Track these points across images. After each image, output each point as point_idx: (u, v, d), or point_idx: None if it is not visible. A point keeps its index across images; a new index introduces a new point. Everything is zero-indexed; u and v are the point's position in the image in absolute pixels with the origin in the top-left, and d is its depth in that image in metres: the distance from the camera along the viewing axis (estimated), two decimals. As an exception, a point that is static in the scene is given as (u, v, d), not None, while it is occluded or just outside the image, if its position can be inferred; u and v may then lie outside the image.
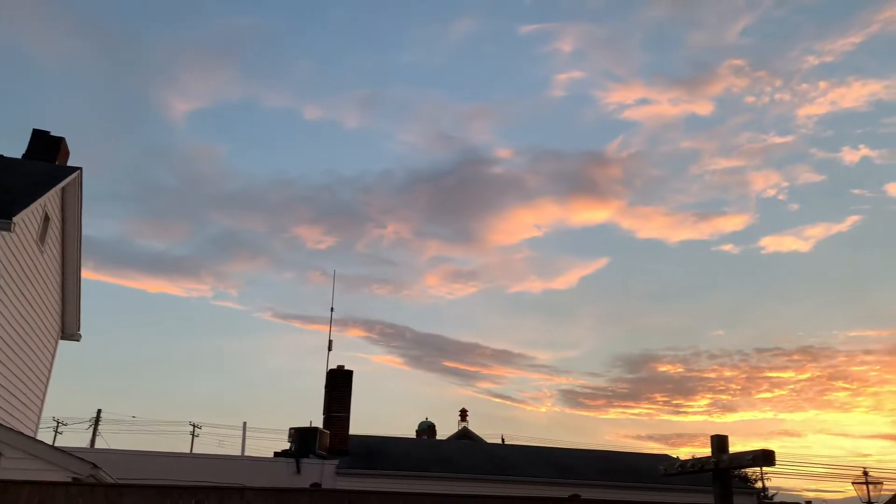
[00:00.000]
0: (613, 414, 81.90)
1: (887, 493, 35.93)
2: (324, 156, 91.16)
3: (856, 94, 75.31)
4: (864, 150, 75.54)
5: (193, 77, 73.87)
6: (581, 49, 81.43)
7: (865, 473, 34.10)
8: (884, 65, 77.07)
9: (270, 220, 78.76)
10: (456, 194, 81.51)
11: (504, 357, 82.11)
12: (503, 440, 40.52)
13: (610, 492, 21.22)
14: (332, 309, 24.80)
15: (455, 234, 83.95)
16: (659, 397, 78.20)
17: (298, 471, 20.22)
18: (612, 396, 79.15)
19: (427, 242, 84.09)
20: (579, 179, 79.80)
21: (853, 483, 33.94)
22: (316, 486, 14.14)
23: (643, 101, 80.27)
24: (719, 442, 10.18)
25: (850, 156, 76.02)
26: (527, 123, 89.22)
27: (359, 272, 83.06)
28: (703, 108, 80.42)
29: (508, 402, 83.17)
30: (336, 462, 20.84)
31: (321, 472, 20.39)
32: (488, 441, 38.35)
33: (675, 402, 77.39)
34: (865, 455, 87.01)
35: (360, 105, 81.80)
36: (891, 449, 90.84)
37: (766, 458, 9.18)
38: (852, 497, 34.82)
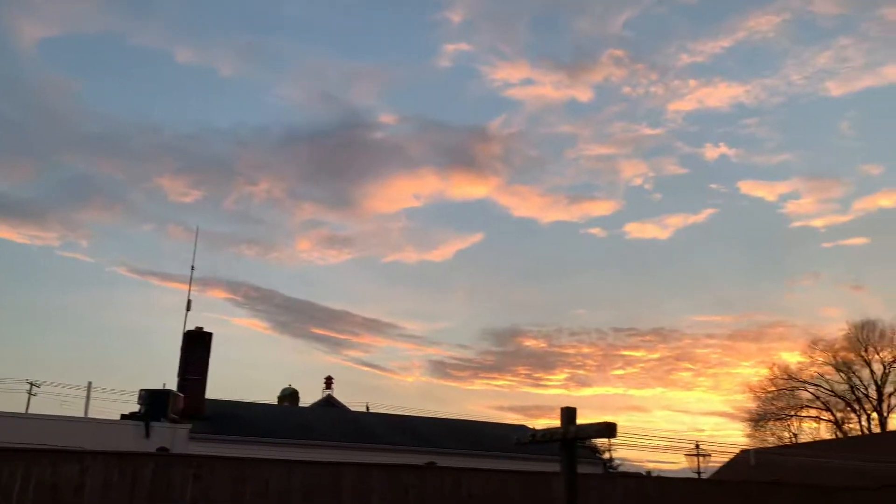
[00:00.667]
0: (479, 385, 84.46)
1: (714, 464, 39.53)
2: (195, 103, 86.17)
3: (720, 95, 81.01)
4: (723, 148, 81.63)
5: None
6: (470, 21, 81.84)
7: (697, 447, 37.35)
8: (746, 70, 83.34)
9: (131, 167, 73.29)
10: (335, 157, 79.94)
11: (374, 326, 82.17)
12: (368, 408, 40.65)
13: (465, 460, 21.82)
14: (192, 267, 23.64)
15: (332, 198, 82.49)
16: (522, 370, 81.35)
17: (147, 435, 19.22)
18: (478, 368, 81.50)
19: (301, 204, 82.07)
20: (461, 153, 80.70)
21: (686, 455, 37.10)
22: (163, 450, 13.48)
23: (527, 82, 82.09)
24: (568, 414, 10.65)
25: (710, 152, 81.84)
26: (412, 91, 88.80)
27: (226, 230, 79.78)
28: (583, 95, 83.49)
29: (377, 371, 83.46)
30: (189, 426, 20.01)
31: (173, 436, 19.50)
32: (353, 410, 38.35)
33: (536, 375, 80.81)
34: (701, 430, 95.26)
35: (238, 53, 77.80)
36: (724, 425, 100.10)
37: (609, 430, 9.72)
38: (686, 468, 38.01)
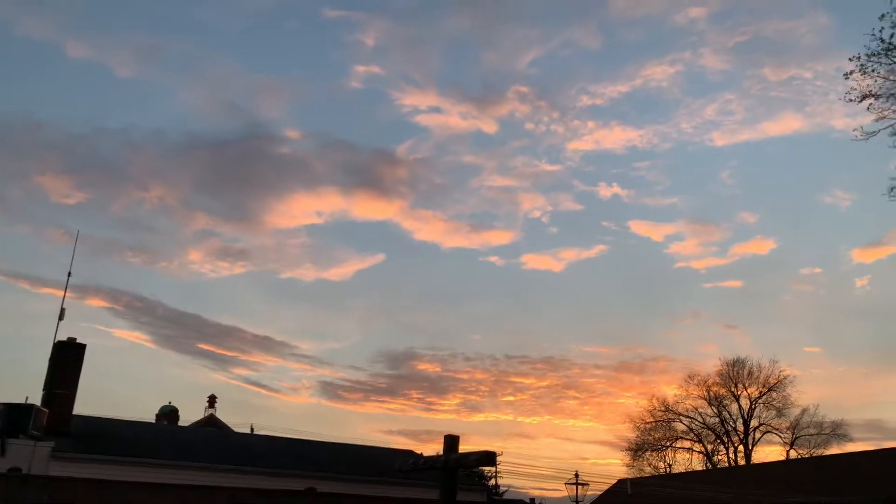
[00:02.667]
0: (370, 408, 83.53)
1: (593, 493, 40.77)
2: (86, 102, 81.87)
3: (616, 138, 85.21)
4: (616, 188, 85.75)
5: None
6: (383, 45, 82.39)
7: (577, 476, 38.41)
8: (641, 115, 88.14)
9: (9, 162, 68.57)
10: (235, 167, 77.81)
11: (265, 344, 79.86)
12: (252, 430, 39.25)
13: (349, 485, 21.48)
14: (69, 273, 22.14)
15: (228, 210, 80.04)
16: (415, 394, 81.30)
17: (3, 453, 17.70)
18: (370, 391, 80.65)
19: (195, 214, 79.18)
20: (366, 174, 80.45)
21: (565, 484, 38.06)
22: (15, 470, 12.45)
23: (435, 110, 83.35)
24: (450, 442, 10.72)
25: (604, 191, 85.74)
26: (320, 108, 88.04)
27: (110, 236, 75.73)
28: (489, 127, 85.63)
29: (264, 391, 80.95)
30: (52, 444, 18.60)
31: (32, 455, 18.04)
32: (237, 430, 36.91)
33: (429, 399, 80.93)
34: (585, 458, 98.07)
35: (138, 52, 74.82)
36: (606, 454, 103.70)
37: (489, 459, 9.87)
38: (566, 496, 38.92)
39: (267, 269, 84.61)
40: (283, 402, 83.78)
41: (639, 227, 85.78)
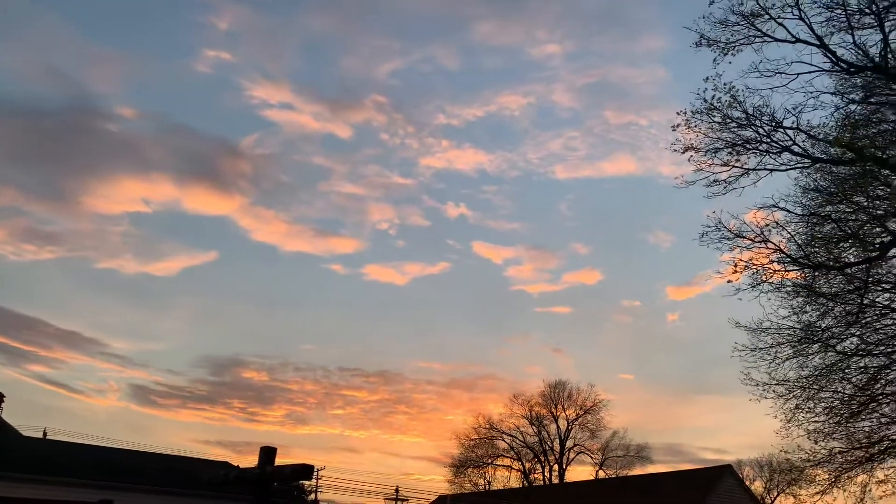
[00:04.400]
0: (187, 416, 78.51)
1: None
2: None
3: (467, 159, 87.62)
4: (463, 208, 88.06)
5: None
6: (238, 32, 79.00)
7: (397, 491, 38.29)
8: (493, 141, 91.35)
9: None
10: (55, 141, 70.72)
11: (71, 340, 72.92)
12: (45, 434, 35.20)
13: (151, 497, 19.71)
14: None
15: (41, 186, 72.50)
16: (237, 403, 77.64)
17: None
18: (188, 397, 75.90)
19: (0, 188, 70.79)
20: (206, 165, 76.25)
21: (385, 499, 37.79)
22: None
23: (287, 106, 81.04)
24: (266, 454, 9.95)
25: (452, 210, 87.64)
26: (161, 89, 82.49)
27: None
28: (343, 132, 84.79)
29: (64, 392, 73.62)
30: None
31: None
32: (26, 434, 32.87)
33: (252, 409, 77.65)
34: (409, 474, 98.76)
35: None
36: (431, 469, 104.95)
37: (305, 472, 9.23)
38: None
39: (81, 256, 77.31)
40: (86, 404, 76.60)
41: (481, 248, 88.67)
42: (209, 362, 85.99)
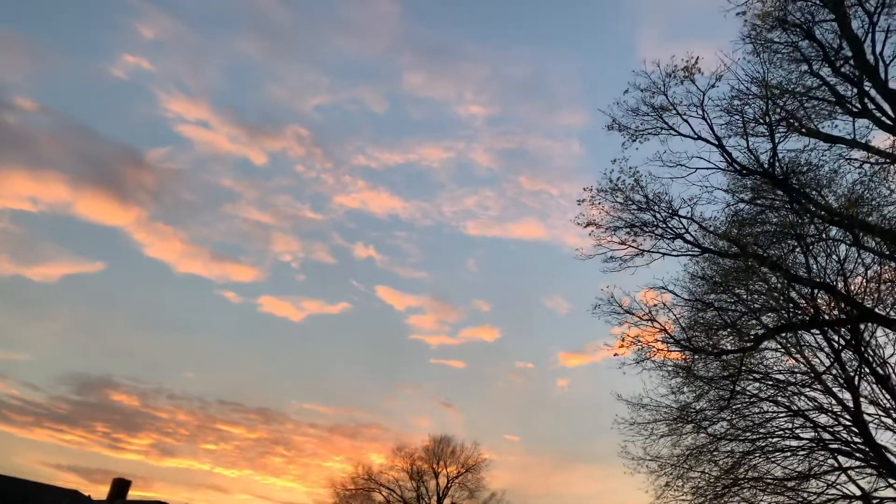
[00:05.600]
0: (40, 435, 72.14)
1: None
2: None
3: (382, 203, 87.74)
4: (371, 251, 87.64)
5: None
6: (162, 42, 76.86)
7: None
8: (409, 188, 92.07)
9: None
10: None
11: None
12: None
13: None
14: None
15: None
16: (100, 427, 72.11)
17: None
18: (45, 415, 69.80)
19: None
20: (106, 171, 72.68)
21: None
22: None
23: (203, 124, 79.04)
24: (119, 486, 9.28)
25: (360, 251, 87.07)
26: (69, 86, 78.66)
27: None
28: (258, 158, 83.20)
29: None
30: None
31: None
32: None
33: (116, 434, 72.21)
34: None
35: None
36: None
37: (160, 511, 8.64)
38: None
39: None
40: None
41: (385, 293, 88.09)
42: (76, 379, 79.80)
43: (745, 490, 18.89)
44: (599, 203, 19.84)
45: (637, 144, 19.10)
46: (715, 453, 19.49)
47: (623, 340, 19.76)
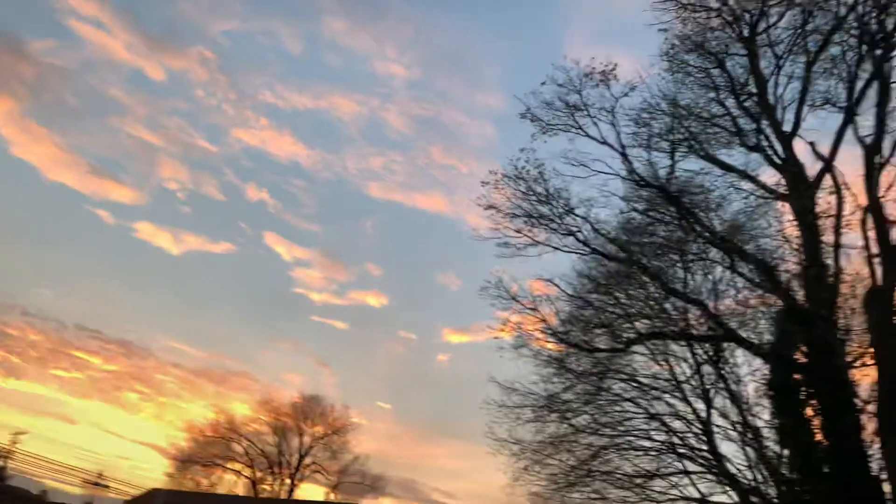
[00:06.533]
0: None
1: (116, 497, 37.50)
2: None
3: (283, 146, 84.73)
4: (265, 194, 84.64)
5: None
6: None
7: (99, 475, 35.01)
8: (315, 137, 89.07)
9: None
10: None
11: None
12: None
13: None
14: None
15: None
16: (-67, 339, 66.05)
17: None
18: None
19: None
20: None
21: (84, 482, 34.43)
22: None
23: (100, 25, 73.16)
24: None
25: (252, 192, 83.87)
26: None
27: None
28: (155, 73, 78.16)
29: None
30: None
31: None
32: None
33: (-47, 348, 66.51)
34: (127, 458, 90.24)
35: None
36: (153, 458, 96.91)
37: None
38: (86, 494, 35.17)
39: None
40: None
41: (273, 240, 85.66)
42: None
43: (596, 482, 20.08)
44: (503, 188, 20.09)
45: (547, 138, 19.43)
46: (574, 444, 20.54)
47: (505, 325, 20.32)
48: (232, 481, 55.44)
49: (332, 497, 54.09)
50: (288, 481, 55.35)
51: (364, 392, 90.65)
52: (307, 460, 55.90)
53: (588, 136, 18.98)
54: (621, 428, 20.17)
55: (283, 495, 53.05)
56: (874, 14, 15.99)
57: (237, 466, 55.93)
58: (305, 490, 55.31)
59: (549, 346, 20.68)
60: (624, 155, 18.45)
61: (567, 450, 20.67)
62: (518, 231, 19.85)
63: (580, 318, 20.37)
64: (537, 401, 20.98)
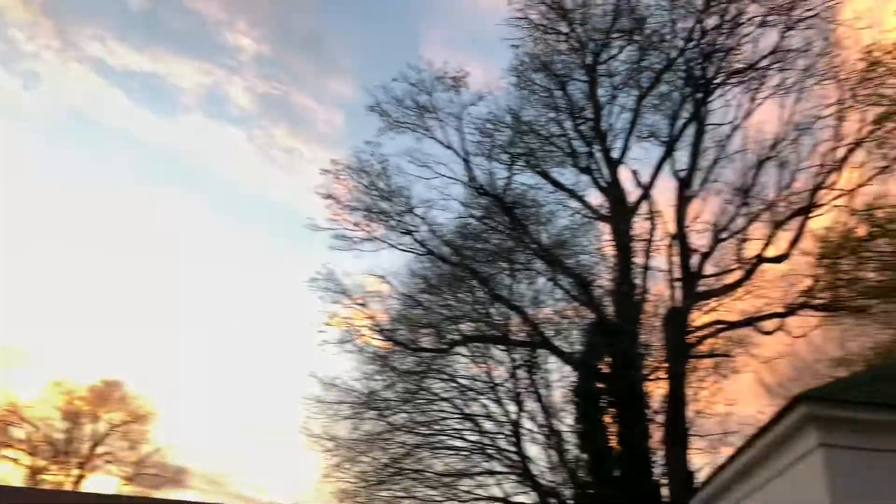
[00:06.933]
0: None
1: None
2: None
3: (111, 106, 76.71)
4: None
5: None
6: None
7: None
8: (149, 101, 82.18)
9: None
10: None
11: None
12: None
13: None
14: None
15: None
16: None
17: None
18: None
19: None
20: None
21: None
22: None
23: None
24: None
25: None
26: None
27: None
28: None
29: None
30: None
31: None
32: None
33: None
34: None
35: None
36: None
37: None
38: None
39: None
40: None
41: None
42: None
43: (406, 480, 20.16)
44: (345, 179, 19.77)
45: (394, 134, 19.40)
46: (389, 442, 20.50)
47: (332, 318, 19.92)
48: (7, 470, 49.60)
49: (125, 490, 50.09)
50: (76, 471, 50.54)
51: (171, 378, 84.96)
52: (101, 450, 51.39)
53: (434, 138, 19.21)
54: (436, 427, 20.43)
55: (69, 486, 48.29)
56: (699, 61, 17.67)
57: (15, 453, 50.15)
58: (95, 481, 50.79)
59: (376, 342, 20.58)
60: (467, 161, 18.87)
61: (381, 447, 20.60)
62: (356, 224, 19.63)
63: (408, 317, 20.45)
64: (357, 397, 20.75)
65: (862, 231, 16.53)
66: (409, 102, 19.10)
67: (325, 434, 20.72)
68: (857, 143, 16.39)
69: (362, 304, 20.07)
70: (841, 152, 16.57)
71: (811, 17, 17.08)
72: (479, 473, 19.87)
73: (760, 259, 17.07)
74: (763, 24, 17.56)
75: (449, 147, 19.04)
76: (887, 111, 16.18)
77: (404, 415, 20.57)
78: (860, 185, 16.41)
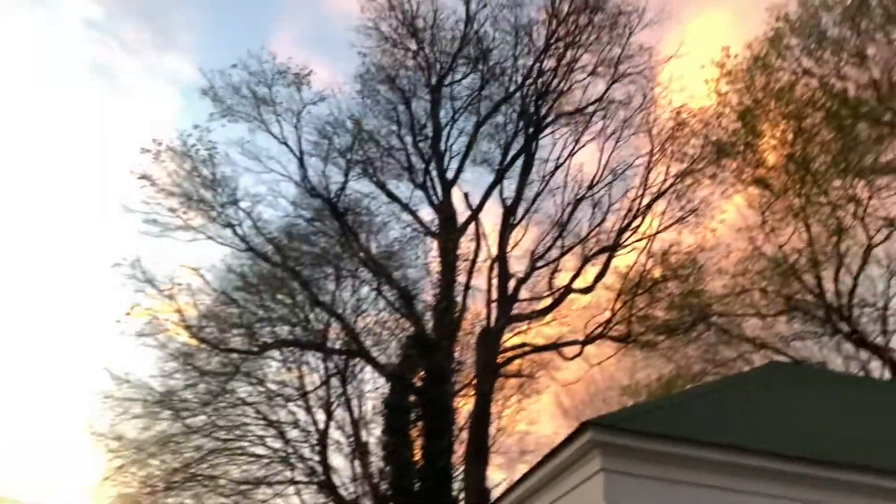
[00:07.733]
0: None
1: None
2: None
3: None
4: None
5: None
6: None
7: None
8: None
9: None
10: None
11: None
12: None
13: None
14: None
15: None
16: None
17: None
18: None
19: None
20: None
21: None
22: None
23: None
24: None
25: None
26: None
27: None
28: None
29: None
30: None
31: None
32: None
33: None
34: None
35: None
36: None
37: None
38: None
39: None
40: None
41: None
42: None
43: (197, 487, 18.95)
44: (164, 162, 18.38)
45: (226, 122, 18.39)
46: (184, 446, 19.19)
47: (133, 309, 18.28)
48: None
49: None
50: None
51: None
52: None
53: (270, 132, 18.42)
54: (238, 432, 19.46)
55: None
56: (534, 98, 18.71)
57: None
58: None
59: (180, 338, 19.22)
60: (301, 161, 18.30)
61: (173, 451, 19.20)
62: (172, 210, 18.27)
63: (220, 315, 19.37)
64: (152, 395, 19.18)
65: (656, 273, 18.38)
66: (246, 91, 18.25)
67: (109, 433, 18.96)
68: (660, 194, 18.26)
69: (170, 297, 18.67)
70: (646, 200, 18.36)
71: (634, 73, 18.91)
72: (279, 483, 19.22)
73: (569, 289, 18.34)
74: (593, 73, 19.13)
75: (284, 143, 18.36)
76: (689, 168, 18.19)
77: (203, 417, 19.34)
78: (658, 232, 18.29)
